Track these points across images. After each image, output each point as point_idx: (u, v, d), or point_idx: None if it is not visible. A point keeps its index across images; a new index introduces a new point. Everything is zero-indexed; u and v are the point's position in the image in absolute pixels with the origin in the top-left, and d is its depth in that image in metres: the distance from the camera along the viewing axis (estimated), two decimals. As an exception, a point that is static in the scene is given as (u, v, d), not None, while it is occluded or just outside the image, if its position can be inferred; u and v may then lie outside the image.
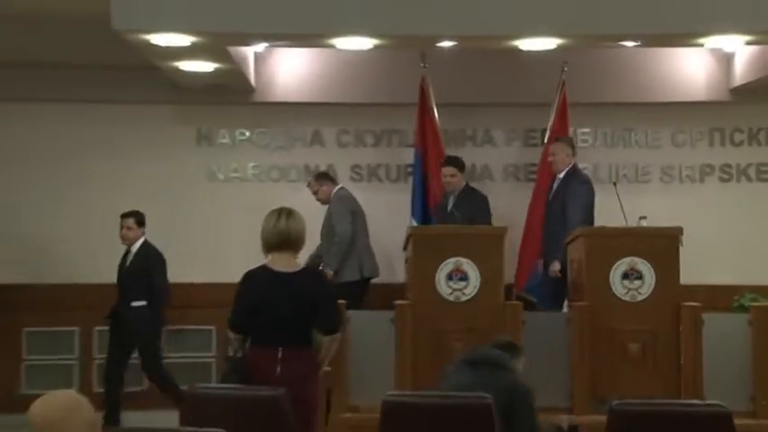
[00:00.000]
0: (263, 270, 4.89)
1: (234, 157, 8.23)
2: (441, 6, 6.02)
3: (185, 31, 6.08)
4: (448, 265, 6.15)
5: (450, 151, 7.89)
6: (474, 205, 7.40)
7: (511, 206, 7.91)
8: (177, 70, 7.22)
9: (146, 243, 7.45)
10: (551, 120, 7.79)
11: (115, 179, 8.01)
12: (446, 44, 6.68)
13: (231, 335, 4.93)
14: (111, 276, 7.42)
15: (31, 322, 7.72)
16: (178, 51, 6.53)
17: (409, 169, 8.04)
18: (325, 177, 7.80)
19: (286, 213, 4.90)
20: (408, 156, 8.04)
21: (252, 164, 8.23)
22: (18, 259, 7.85)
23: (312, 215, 7.67)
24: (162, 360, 7.44)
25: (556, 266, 7.02)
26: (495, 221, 7.30)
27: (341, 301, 5.89)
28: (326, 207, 7.67)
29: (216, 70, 7.24)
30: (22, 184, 7.95)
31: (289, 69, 8.11)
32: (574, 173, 7.33)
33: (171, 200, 8.04)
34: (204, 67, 7.12)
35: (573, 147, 7.48)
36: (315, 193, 7.71)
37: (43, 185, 7.95)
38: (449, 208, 7.44)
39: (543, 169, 7.77)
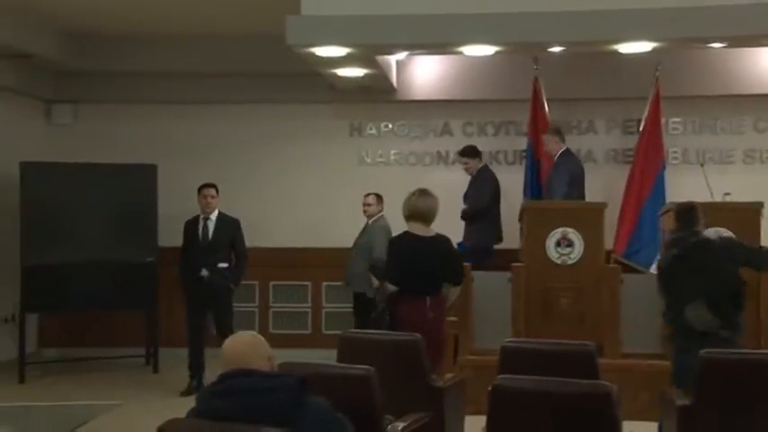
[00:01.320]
0: (406, 235, 5.06)
1: (379, 145, 8.28)
2: (552, 18, 5.92)
3: (342, 45, 6.17)
4: (556, 234, 6.06)
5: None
6: (477, 188, 7.35)
7: (610, 184, 7.69)
8: (335, 75, 7.31)
9: (220, 212, 6.94)
10: (646, 111, 7.50)
11: (285, 163, 8.19)
12: (556, 49, 6.52)
13: (389, 287, 5.04)
14: (289, 241, 7.47)
15: (275, 277, 7.79)
16: (336, 60, 6.61)
17: (523, 154, 7.91)
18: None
19: (419, 193, 5.12)
20: (522, 143, 7.92)
21: (393, 151, 8.27)
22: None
23: (448, 190, 7.74)
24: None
25: None
26: (597, 198, 7.07)
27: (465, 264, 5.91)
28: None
29: (365, 75, 7.29)
30: (219, 167, 8.13)
31: (424, 73, 8.09)
32: (566, 154, 7.28)
33: (329, 180, 8.18)
34: (356, 72, 7.17)
35: (560, 134, 7.36)
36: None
37: (234, 169, 8.15)
38: (466, 188, 7.47)
39: (639, 153, 7.53)
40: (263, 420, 2.45)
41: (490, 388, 3.30)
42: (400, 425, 3.59)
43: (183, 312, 6.94)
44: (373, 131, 8.29)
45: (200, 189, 6.96)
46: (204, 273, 6.72)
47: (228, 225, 6.90)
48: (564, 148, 7.35)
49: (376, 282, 5.12)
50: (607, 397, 3.16)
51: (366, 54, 6.57)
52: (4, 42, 6.86)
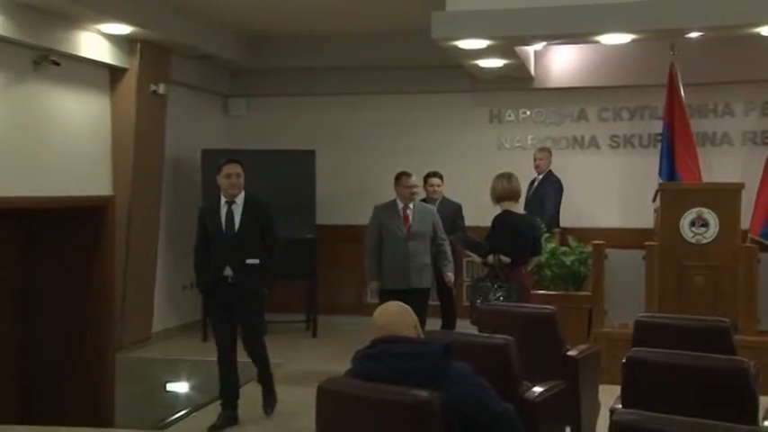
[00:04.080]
0: (509, 213, 5.35)
1: (517, 131, 8.13)
2: (691, 4, 5.58)
3: (484, 38, 6.09)
4: (691, 214, 5.75)
5: (693, 122, 7.31)
6: (451, 212, 6.49)
7: (747, 166, 7.23)
8: (476, 66, 7.23)
9: (248, 194, 4.97)
10: (788, 93, 6.95)
11: (431, 148, 8.16)
12: (694, 35, 6.13)
13: (504, 259, 5.24)
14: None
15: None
16: (477, 52, 6.54)
17: (658, 137, 7.52)
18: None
19: (508, 176, 5.39)
20: (657, 126, 7.53)
21: (531, 136, 8.09)
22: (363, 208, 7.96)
23: (583, 173, 7.58)
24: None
25: None
26: (733, 179, 6.64)
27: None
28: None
29: (505, 65, 7.17)
30: (370, 153, 8.31)
31: (560, 61, 7.86)
32: (549, 175, 7.28)
33: (470, 164, 8.09)
34: (496, 63, 7.07)
35: (550, 152, 7.42)
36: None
37: (382, 155, 8.21)
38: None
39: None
40: (412, 382, 2.47)
41: (624, 360, 3.17)
42: (537, 390, 3.53)
43: (210, 320, 5.53)
44: (512, 118, 8.15)
45: (220, 167, 4.91)
46: (228, 272, 4.82)
47: (258, 210, 4.94)
48: (549, 168, 7.32)
49: (478, 258, 5.42)
50: (744, 372, 2.96)
51: (506, 46, 6.45)
52: (192, 45, 7.28)
